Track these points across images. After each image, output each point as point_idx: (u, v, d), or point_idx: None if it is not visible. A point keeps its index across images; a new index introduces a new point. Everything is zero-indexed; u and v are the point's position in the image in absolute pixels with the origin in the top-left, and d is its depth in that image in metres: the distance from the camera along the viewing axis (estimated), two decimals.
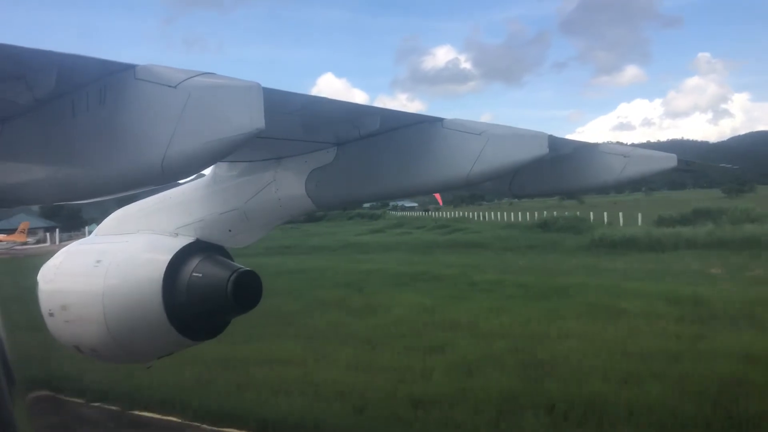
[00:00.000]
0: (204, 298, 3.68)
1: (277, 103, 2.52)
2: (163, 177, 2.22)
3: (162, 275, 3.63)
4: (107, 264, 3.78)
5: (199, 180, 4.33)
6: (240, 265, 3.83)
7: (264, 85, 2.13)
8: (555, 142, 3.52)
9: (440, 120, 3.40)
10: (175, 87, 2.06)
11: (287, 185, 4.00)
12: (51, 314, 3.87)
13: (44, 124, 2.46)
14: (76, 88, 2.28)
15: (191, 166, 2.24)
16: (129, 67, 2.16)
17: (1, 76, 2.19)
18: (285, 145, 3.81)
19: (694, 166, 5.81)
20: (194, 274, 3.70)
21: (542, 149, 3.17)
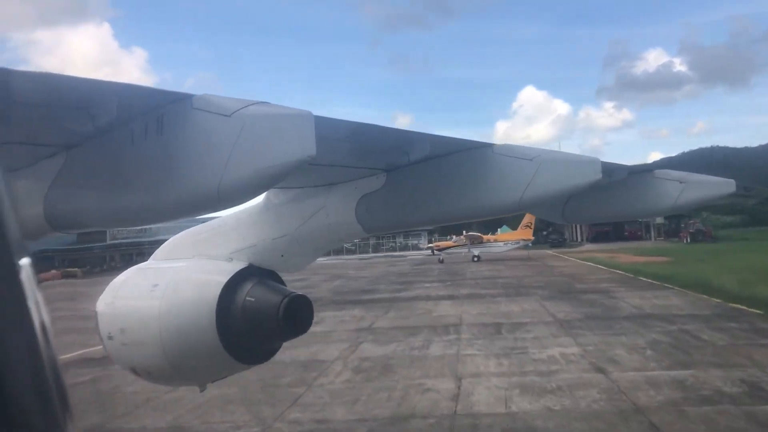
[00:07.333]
0: (256, 322, 3.72)
1: (327, 130, 2.56)
2: (219, 203, 2.27)
3: (217, 299, 3.69)
4: (164, 288, 3.86)
5: (251, 206, 4.41)
6: (291, 290, 3.86)
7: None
8: (609, 168, 3.46)
9: (490, 146, 3.38)
10: (229, 116, 2.12)
11: (338, 211, 4.03)
12: (110, 337, 3.97)
13: (105, 152, 2.56)
14: (136, 118, 2.37)
15: (246, 193, 2.29)
16: (186, 97, 2.23)
17: (66, 106, 2.30)
18: (335, 172, 3.86)
19: (753, 191, 5.60)
20: (247, 298, 3.75)
21: (596, 175, 3.11)
